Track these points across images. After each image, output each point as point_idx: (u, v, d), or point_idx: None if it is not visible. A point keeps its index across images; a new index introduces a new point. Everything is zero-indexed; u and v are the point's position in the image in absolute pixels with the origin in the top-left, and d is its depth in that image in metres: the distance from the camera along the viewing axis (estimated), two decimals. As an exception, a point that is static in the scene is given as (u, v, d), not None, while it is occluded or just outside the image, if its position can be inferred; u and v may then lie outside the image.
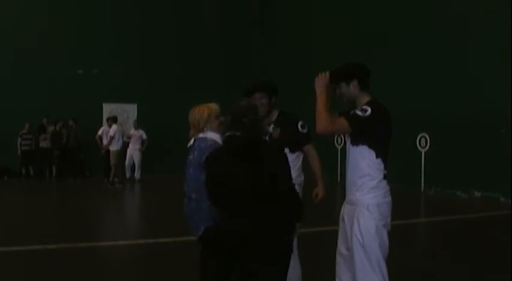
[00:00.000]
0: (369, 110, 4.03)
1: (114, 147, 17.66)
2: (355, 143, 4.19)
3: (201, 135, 4.38)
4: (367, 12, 18.26)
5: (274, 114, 5.26)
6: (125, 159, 19.22)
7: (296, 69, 19.77)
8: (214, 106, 4.50)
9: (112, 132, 17.60)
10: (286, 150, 4.83)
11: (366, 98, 4.24)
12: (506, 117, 13.68)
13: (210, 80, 22.23)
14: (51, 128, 20.11)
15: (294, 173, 4.62)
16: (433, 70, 15.73)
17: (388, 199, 4.22)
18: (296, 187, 4.46)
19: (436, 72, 15.69)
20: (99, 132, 18.54)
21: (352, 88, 4.25)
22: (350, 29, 18.69)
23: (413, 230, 10.99)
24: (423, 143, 15.95)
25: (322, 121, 4.03)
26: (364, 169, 4.13)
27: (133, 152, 19.34)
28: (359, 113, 4.04)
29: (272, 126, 5.18)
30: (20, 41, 20.16)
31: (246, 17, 23.17)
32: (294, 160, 5.07)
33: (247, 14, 23.18)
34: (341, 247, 4.33)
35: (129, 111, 21.64)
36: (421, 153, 15.91)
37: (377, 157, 4.13)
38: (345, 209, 4.31)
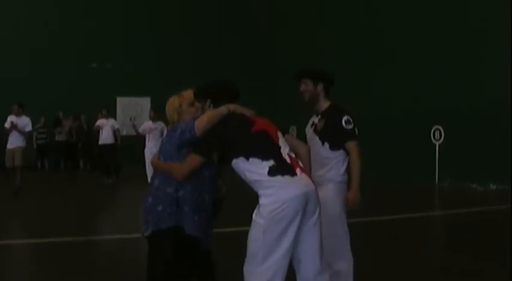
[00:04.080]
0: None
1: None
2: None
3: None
4: (369, 11, 18.24)
5: (324, 105, 4.85)
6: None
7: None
8: (186, 94, 4.28)
9: (116, 125, 16.78)
10: (326, 146, 4.71)
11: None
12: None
13: (224, 73, 22.20)
14: (67, 122, 20.24)
15: (335, 171, 4.72)
16: (447, 63, 15.66)
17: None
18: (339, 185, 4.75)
19: (450, 65, 15.61)
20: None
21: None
22: (360, 28, 18.63)
23: (430, 223, 10.95)
24: (437, 135, 15.87)
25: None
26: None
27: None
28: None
29: (319, 117, 4.84)
30: (33, 39, 20.27)
31: (260, 11, 23.14)
32: (336, 158, 4.73)
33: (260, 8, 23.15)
34: None
35: (143, 104, 21.70)
36: (435, 145, 15.83)
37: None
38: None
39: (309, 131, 4.90)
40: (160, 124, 14.00)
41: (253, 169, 3.72)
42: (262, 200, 3.66)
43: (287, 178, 3.69)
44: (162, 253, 3.95)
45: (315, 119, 4.85)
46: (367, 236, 8.15)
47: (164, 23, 21.91)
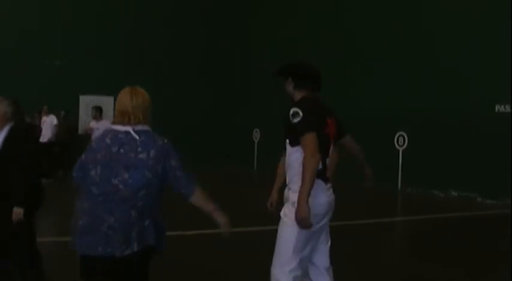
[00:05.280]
0: (300, 112, 4.12)
1: None
2: (293, 143, 4.23)
3: (139, 127, 3.70)
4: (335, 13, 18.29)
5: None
6: None
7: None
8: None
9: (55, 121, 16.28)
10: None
11: (298, 96, 4.41)
12: (484, 115, 13.79)
13: (188, 72, 22.15)
14: (28, 120, 19.77)
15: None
16: (411, 69, 15.77)
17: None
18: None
19: (414, 72, 15.73)
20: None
21: (287, 85, 4.47)
22: (331, 31, 18.67)
23: (392, 228, 10.99)
24: (401, 141, 15.97)
25: (312, 163, 4.01)
26: (298, 167, 4.14)
27: None
28: (297, 120, 4.11)
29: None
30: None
31: (234, 12, 23.03)
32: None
33: (236, 10, 23.05)
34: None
35: (106, 104, 21.37)
36: (398, 151, 15.93)
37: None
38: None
39: None
40: (104, 123, 13.41)
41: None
42: (295, 198, 4.01)
43: (323, 184, 4.17)
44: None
45: None
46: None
47: (129, 22, 21.65)
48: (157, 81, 21.33)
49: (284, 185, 4.62)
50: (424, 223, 11.23)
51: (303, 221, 3.98)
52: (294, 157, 4.21)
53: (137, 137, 3.62)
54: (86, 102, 20.76)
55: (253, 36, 22.13)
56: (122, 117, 3.67)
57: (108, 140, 3.63)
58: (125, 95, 3.75)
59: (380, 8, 16.99)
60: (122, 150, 3.57)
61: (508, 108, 13.58)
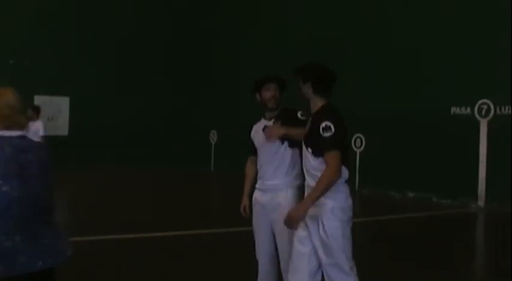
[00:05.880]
0: (332, 128, 4.08)
1: None
2: (317, 155, 4.18)
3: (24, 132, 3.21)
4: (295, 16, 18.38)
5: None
6: None
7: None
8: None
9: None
10: (286, 144, 4.66)
11: (319, 103, 4.29)
12: (440, 117, 14.01)
13: (147, 73, 21.96)
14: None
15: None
16: (367, 70, 15.92)
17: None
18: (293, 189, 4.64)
19: (369, 73, 15.88)
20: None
21: (306, 88, 4.33)
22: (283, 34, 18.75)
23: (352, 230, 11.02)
24: (358, 143, 16.10)
25: (333, 179, 4.08)
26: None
27: None
28: (327, 135, 4.06)
29: (272, 121, 4.78)
30: None
31: (194, 18, 22.92)
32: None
33: (193, 16, 22.93)
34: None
35: (62, 104, 21.04)
36: (356, 153, 16.05)
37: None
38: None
39: None
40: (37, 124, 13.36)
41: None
42: (333, 203, 4.15)
43: (348, 189, 4.30)
44: None
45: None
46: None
47: (87, 22, 21.33)
48: (115, 81, 21.11)
49: (253, 189, 4.68)
50: (381, 223, 11.33)
51: (297, 218, 4.04)
52: (314, 165, 4.19)
53: None
54: (40, 102, 20.36)
55: (215, 41, 22.06)
56: None
57: None
58: None
59: (336, 9, 17.12)
60: None
61: (463, 110, 13.84)
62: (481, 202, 13.25)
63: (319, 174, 4.11)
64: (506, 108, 13.05)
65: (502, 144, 12.91)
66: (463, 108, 13.87)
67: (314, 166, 4.18)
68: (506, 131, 12.84)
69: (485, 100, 13.40)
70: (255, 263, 4.94)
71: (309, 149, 4.21)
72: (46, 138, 15.47)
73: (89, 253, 7.24)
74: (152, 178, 18.30)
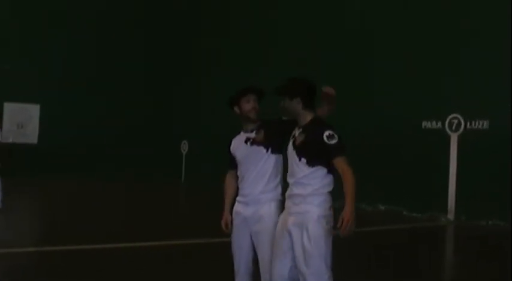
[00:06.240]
0: (336, 136, 4.28)
1: None
2: (312, 164, 4.29)
3: None
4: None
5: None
6: None
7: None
8: None
9: None
10: (269, 151, 4.61)
11: (308, 117, 4.40)
12: (411, 131, 14.12)
13: (121, 84, 21.82)
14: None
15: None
16: (341, 87, 15.89)
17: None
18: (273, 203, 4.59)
19: (344, 89, 15.86)
20: None
21: (295, 104, 4.38)
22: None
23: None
24: (331, 156, 16.12)
25: (355, 179, 4.35)
26: (318, 184, 4.37)
27: None
28: (334, 142, 4.27)
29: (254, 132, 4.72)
30: None
31: (170, 19, 22.85)
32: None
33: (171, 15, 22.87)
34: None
35: (32, 111, 20.78)
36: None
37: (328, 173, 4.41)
38: (289, 220, 4.34)
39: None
40: None
41: (326, 181, 4.35)
42: (318, 212, 4.27)
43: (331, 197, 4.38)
44: None
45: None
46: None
47: (61, 28, 21.15)
48: (86, 90, 20.92)
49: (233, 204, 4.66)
50: (352, 236, 11.31)
51: (353, 220, 4.22)
52: (312, 175, 4.31)
53: None
54: (10, 109, 20.10)
55: (186, 50, 22.02)
56: None
57: None
58: None
59: (301, 17, 17.23)
60: None
61: (434, 125, 13.97)
62: (450, 215, 13.36)
63: (312, 183, 4.27)
64: (477, 122, 13.22)
65: (472, 158, 13.05)
66: (433, 123, 13.99)
67: (307, 175, 4.28)
68: (476, 145, 12.99)
69: (455, 115, 13.56)
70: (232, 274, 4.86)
71: (303, 159, 4.28)
72: (14, 145, 15.34)
73: (41, 263, 7.12)
74: (122, 188, 18.13)
